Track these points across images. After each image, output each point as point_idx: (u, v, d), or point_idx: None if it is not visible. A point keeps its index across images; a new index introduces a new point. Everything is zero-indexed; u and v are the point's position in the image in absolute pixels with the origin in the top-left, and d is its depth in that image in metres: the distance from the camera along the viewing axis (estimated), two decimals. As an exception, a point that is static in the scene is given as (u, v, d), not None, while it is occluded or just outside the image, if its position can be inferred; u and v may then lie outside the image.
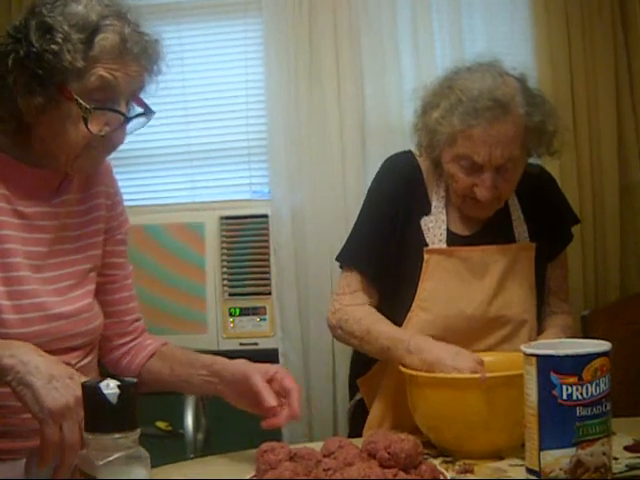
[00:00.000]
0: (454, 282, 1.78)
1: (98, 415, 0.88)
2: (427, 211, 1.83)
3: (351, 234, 1.91)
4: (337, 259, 1.93)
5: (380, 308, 1.84)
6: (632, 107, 2.86)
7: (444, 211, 1.82)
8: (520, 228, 1.85)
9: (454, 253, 1.79)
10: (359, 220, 1.92)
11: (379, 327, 1.75)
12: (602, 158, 2.90)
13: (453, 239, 1.81)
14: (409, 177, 1.87)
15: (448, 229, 1.81)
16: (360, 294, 1.84)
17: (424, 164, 1.87)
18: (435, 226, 1.81)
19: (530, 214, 1.87)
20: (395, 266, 1.82)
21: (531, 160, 1.87)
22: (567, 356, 1.12)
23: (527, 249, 1.83)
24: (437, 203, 1.83)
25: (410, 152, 1.91)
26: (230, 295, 3.09)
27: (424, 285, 1.78)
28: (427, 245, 1.80)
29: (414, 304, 1.77)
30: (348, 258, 1.90)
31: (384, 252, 1.83)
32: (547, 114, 1.77)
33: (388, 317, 1.78)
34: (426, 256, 1.79)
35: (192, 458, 2.32)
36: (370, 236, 1.87)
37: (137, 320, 1.68)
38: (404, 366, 1.60)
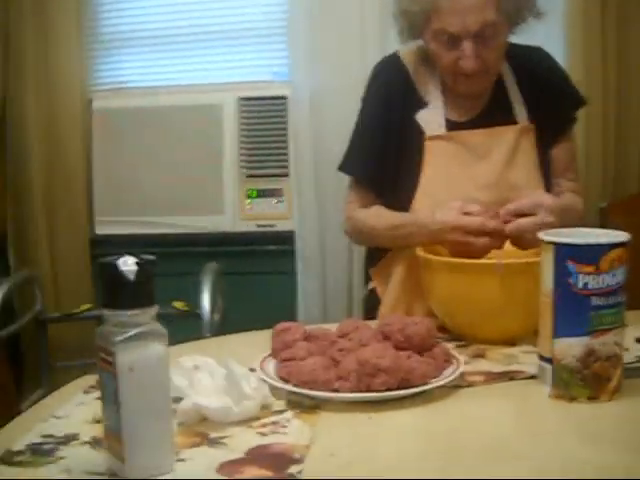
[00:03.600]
0: (457, 166, 1.76)
1: (116, 292, 0.89)
2: (421, 106, 1.82)
3: (349, 144, 1.93)
4: (338, 169, 1.94)
5: (385, 204, 1.85)
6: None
7: (441, 97, 1.81)
8: (519, 110, 1.82)
9: (454, 137, 1.78)
10: (355, 129, 1.92)
11: (387, 217, 1.79)
12: (629, 51, 2.84)
13: (452, 126, 1.80)
14: (395, 78, 1.86)
15: (446, 118, 1.80)
16: (364, 202, 1.88)
17: (410, 61, 1.86)
18: (433, 114, 1.79)
19: (529, 96, 1.83)
20: (396, 163, 1.82)
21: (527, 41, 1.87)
22: (585, 245, 1.12)
23: (528, 130, 1.81)
24: (433, 90, 1.81)
25: (395, 54, 1.90)
26: (248, 177, 3.09)
27: (426, 172, 1.77)
28: None
29: (418, 191, 1.77)
30: (348, 168, 1.93)
31: (382, 157, 1.83)
32: None
33: (394, 209, 1.79)
34: (427, 143, 1.78)
35: (209, 337, 2.35)
36: (366, 144, 1.89)
37: None
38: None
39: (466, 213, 1.55)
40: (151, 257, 0.90)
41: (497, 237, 1.53)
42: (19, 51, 3.03)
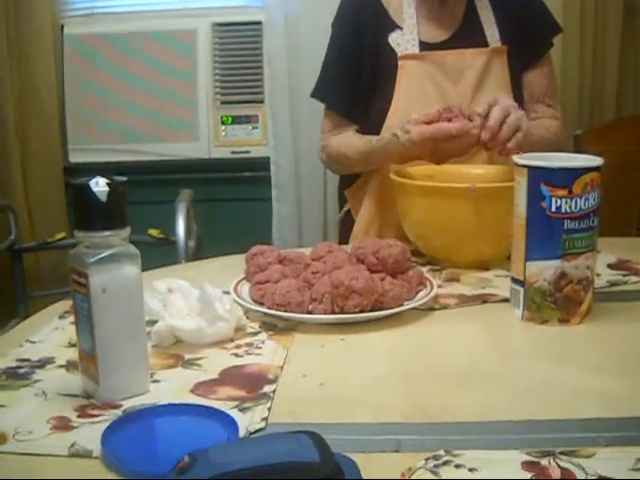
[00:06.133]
0: (429, 87, 1.76)
1: (88, 213, 0.88)
2: (393, 29, 1.80)
3: (321, 70, 1.92)
4: (311, 95, 1.94)
5: (359, 130, 1.86)
6: None
7: (414, 17, 1.79)
8: (491, 31, 1.80)
9: (428, 57, 1.77)
10: (327, 55, 1.91)
11: (358, 144, 1.78)
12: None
13: (425, 47, 1.79)
14: (365, 3, 1.84)
15: (419, 40, 1.79)
16: (339, 129, 1.88)
17: None
18: (406, 35, 1.78)
19: (503, 18, 1.82)
20: (369, 87, 1.82)
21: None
22: (559, 168, 1.12)
23: (500, 52, 1.80)
24: (407, 10, 1.79)
25: None
26: (222, 103, 3.08)
27: (399, 92, 1.77)
28: None
29: (390, 111, 1.77)
30: (321, 94, 1.92)
31: (355, 81, 1.83)
32: None
33: (367, 134, 1.78)
34: (400, 62, 1.77)
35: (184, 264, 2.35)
36: (338, 70, 1.88)
37: None
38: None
39: (425, 122, 1.52)
40: (123, 178, 0.89)
41: (467, 135, 1.49)
42: (-13, -23, 2.97)
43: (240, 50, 3.07)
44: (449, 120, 1.49)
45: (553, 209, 1.12)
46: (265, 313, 1.18)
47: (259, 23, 3.02)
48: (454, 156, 1.54)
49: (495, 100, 1.51)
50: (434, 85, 1.76)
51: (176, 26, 3.08)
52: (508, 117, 1.49)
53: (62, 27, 3.11)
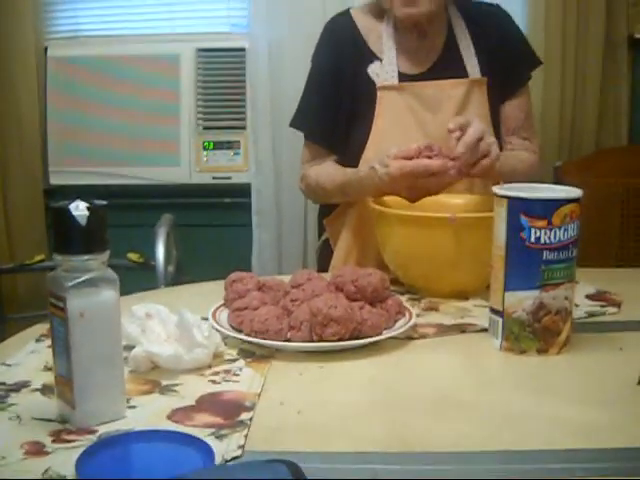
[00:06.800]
0: (408, 118, 1.76)
1: (67, 237, 0.88)
2: (372, 61, 1.81)
3: (300, 100, 1.93)
4: (290, 125, 1.95)
5: (338, 160, 1.87)
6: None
7: (394, 49, 1.80)
8: (471, 63, 1.81)
9: (407, 88, 1.78)
10: (305, 87, 1.92)
11: (335, 176, 1.78)
12: (588, 14, 2.85)
13: (404, 78, 1.80)
14: (345, 34, 1.85)
15: (399, 71, 1.80)
16: (318, 160, 1.89)
17: (362, 18, 1.86)
18: (385, 64, 1.79)
19: (483, 50, 1.83)
20: (348, 118, 1.82)
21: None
22: (538, 199, 1.13)
23: (480, 83, 1.81)
24: (386, 42, 1.81)
25: (347, 11, 1.91)
26: (204, 129, 3.08)
27: (378, 123, 1.77)
28: None
29: (368, 142, 1.78)
30: (299, 124, 1.93)
31: (333, 112, 1.84)
32: None
33: (346, 165, 1.79)
34: (379, 94, 1.78)
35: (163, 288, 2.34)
36: (316, 100, 1.88)
37: None
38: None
39: (405, 157, 1.52)
40: (103, 202, 0.89)
41: (445, 174, 1.49)
42: (-29, -3, 2.96)
43: (223, 76, 3.07)
44: (429, 158, 1.50)
45: (532, 240, 1.13)
46: (243, 340, 1.18)
47: (243, 50, 3.02)
48: (430, 194, 1.54)
49: (468, 122, 1.52)
50: (413, 116, 1.76)
51: (160, 51, 3.09)
52: (481, 140, 1.50)
53: (46, 49, 3.11)
